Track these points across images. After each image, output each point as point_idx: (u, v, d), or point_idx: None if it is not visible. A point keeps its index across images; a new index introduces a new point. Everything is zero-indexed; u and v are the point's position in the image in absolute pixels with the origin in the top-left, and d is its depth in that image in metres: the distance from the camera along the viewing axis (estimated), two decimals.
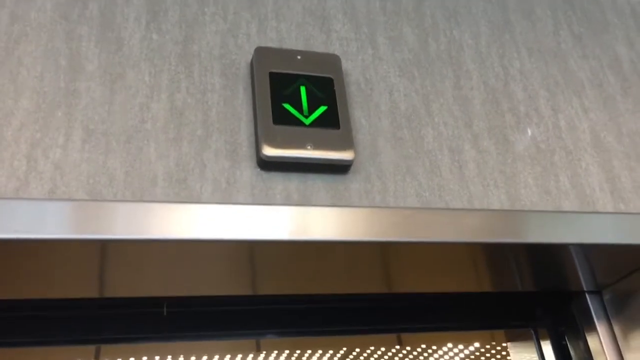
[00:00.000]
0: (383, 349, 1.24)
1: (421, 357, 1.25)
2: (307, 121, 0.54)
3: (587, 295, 0.68)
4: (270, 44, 0.60)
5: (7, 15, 0.55)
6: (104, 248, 0.49)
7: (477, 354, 1.25)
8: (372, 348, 1.21)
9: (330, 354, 1.28)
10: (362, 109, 0.59)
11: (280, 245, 0.51)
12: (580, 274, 0.65)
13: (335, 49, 0.62)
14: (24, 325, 0.59)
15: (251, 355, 1.07)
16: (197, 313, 0.60)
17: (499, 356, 1.22)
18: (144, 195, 0.49)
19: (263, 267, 0.58)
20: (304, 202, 0.52)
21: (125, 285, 0.56)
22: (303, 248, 0.53)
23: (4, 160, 0.48)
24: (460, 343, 1.18)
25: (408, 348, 1.19)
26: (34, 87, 0.52)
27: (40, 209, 0.46)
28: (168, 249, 0.50)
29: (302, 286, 0.63)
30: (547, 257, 0.60)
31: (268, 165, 0.52)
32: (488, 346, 1.21)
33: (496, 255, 0.59)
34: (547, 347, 0.71)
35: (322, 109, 0.55)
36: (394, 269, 0.62)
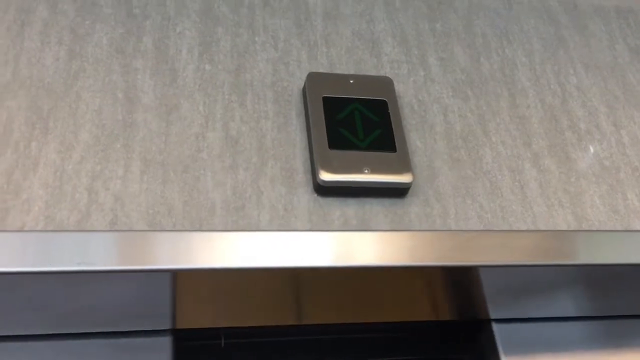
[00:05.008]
0: None
1: None
2: (363, 145, 0.53)
3: None
4: (321, 70, 0.60)
5: (65, 52, 0.56)
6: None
7: None
8: None
9: None
10: (416, 131, 0.58)
11: (341, 272, 0.49)
12: None
13: (386, 71, 0.61)
14: None
15: None
16: (256, 344, 0.59)
17: None
18: (202, 224, 0.49)
19: (319, 294, 0.57)
20: (362, 227, 0.51)
21: (186, 316, 0.56)
22: (363, 273, 0.51)
23: (66, 193, 0.48)
24: None
25: None
26: (93, 120, 0.52)
27: (98, 240, 0.47)
28: (230, 278, 0.49)
29: (358, 314, 0.62)
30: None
31: (325, 190, 0.51)
32: None
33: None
34: None
35: (377, 132, 0.54)
36: (449, 294, 0.60)
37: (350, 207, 0.52)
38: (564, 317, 0.64)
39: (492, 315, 0.62)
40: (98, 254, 0.45)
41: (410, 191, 0.53)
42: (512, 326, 0.62)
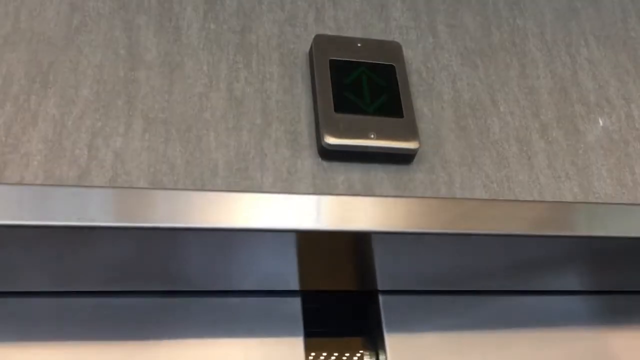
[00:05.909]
0: None
1: None
2: (370, 109, 0.52)
3: None
4: (328, 33, 0.58)
5: (67, 5, 0.54)
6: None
7: None
8: None
9: None
10: (424, 98, 0.57)
11: (353, 236, 0.49)
12: None
13: (394, 37, 0.60)
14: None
15: None
16: None
17: None
18: (204, 184, 0.48)
19: (321, 260, 0.56)
20: (367, 192, 0.50)
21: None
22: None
23: (66, 148, 0.47)
24: None
25: None
26: (94, 76, 0.51)
27: (98, 196, 0.46)
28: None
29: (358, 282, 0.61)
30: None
31: (329, 154, 0.51)
32: None
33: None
34: None
35: (384, 97, 0.53)
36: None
37: (355, 172, 0.51)
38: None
39: (380, 287, 0.61)
40: (97, 209, 0.45)
41: (416, 158, 0.52)
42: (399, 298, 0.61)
